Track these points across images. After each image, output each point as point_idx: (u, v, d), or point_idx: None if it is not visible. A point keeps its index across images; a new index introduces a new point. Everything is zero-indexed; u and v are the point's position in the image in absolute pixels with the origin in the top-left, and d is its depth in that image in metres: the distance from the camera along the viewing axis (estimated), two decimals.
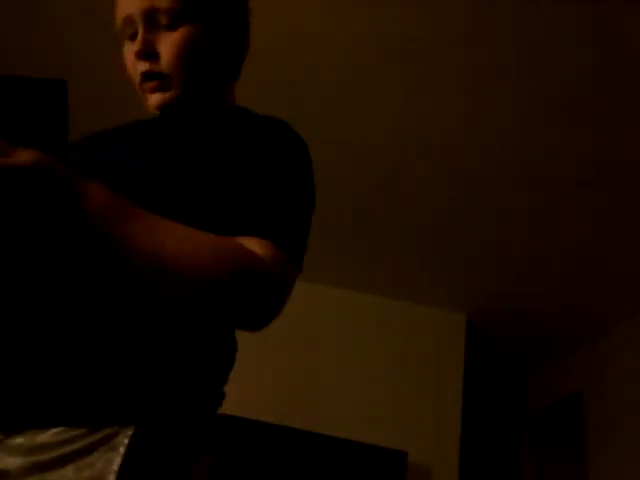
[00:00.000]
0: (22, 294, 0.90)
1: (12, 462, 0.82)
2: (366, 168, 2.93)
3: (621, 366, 3.51)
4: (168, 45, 1.03)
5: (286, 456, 3.13)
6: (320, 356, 3.53)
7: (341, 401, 3.41)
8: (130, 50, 1.06)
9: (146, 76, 1.05)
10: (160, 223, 0.87)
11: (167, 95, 1.05)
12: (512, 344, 4.01)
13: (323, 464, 3.14)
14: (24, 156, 0.78)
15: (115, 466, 0.81)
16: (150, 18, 1.03)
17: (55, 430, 0.83)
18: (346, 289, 3.74)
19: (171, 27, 1.03)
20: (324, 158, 2.87)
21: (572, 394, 3.79)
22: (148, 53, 1.03)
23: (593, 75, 2.37)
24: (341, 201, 3.08)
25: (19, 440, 0.83)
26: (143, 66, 1.04)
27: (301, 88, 2.60)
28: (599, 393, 3.60)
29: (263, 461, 3.10)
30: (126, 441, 0.83)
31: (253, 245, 0.89)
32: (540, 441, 3.99)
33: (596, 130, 2.57)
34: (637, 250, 3.09)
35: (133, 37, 1.05)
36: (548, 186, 2.86)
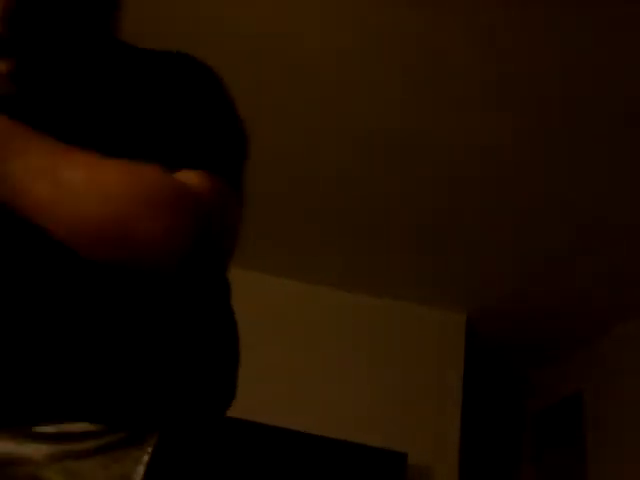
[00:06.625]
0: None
1: (37, 449, 0.82)
2: (365, 168, 2.92)
3: (621, 366, 3.51)
4: None
5: (285, 458, 3.12)
6: (320, 356, 3.53)
7: (341, 402, 3.41)
8: None
9: None
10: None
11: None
12: (512, 344, 4.00)
13: (323, 466, 3.13)
14: None
15: (142, 466, 0.81)
16: None
17: (84, 424, 0.82)
18: (346, 289, 3.73)
19: None
20: (323, 157, 2.88)
21: (572, 394, 3.78)
22: None
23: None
24: (341, 202, 3.07)
25: (47, 429, 0.82)
26: None
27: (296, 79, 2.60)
28: (599, 393, 3.60)
29: (261, 463, 3.09)
30: (152, 442, 0.83)
31: (186, 178, 0.82)
32: (540, 441, 3.99)
33: (595, 130, 2.57)
34: (637, 250, 3.08)
35: None
36: (548, 186, 2.86)
